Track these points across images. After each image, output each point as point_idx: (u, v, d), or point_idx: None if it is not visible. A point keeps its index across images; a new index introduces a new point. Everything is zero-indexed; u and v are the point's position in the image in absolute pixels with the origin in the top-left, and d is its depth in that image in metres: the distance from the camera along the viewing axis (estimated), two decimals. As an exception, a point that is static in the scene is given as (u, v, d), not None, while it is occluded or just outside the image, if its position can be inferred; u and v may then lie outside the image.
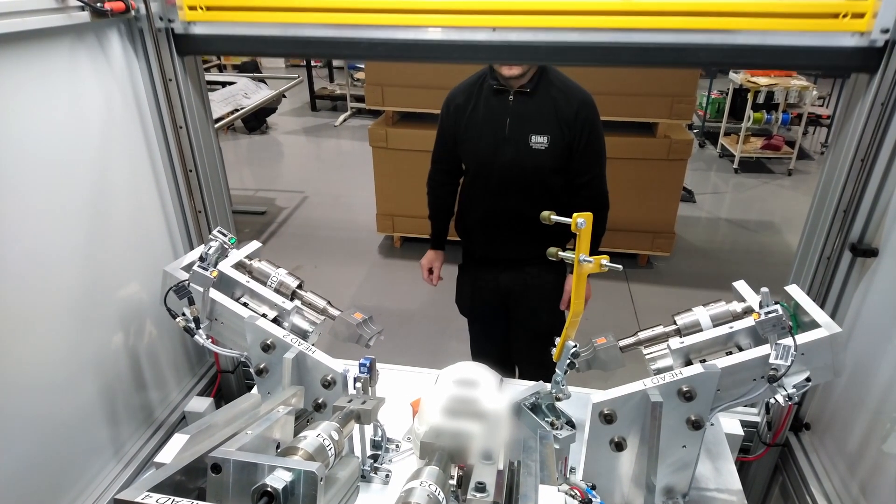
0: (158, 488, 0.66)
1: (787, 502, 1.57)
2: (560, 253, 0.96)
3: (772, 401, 1.15)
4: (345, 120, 7.71)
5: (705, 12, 1.18)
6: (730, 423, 1.49)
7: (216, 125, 1.64)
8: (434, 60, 1.42)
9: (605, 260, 0.95)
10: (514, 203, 1.88)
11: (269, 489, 0.68)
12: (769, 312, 0.97)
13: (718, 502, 1.24)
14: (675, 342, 1.14)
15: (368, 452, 1.30)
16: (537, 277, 2.01)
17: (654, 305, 3.70)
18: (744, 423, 1.52)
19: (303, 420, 1.13)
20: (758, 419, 1.63)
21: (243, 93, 5.23)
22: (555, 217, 0.93)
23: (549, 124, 1.79)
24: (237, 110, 4.95)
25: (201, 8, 1.44)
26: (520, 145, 1.81)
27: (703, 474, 1.29)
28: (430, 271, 2.17)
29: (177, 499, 0.63)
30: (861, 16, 1.10)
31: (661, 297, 3.86)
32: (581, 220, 0.90)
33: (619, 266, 0.96)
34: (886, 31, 1.09)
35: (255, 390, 1.44)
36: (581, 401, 1.17)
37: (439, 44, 1.36)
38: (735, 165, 6.10)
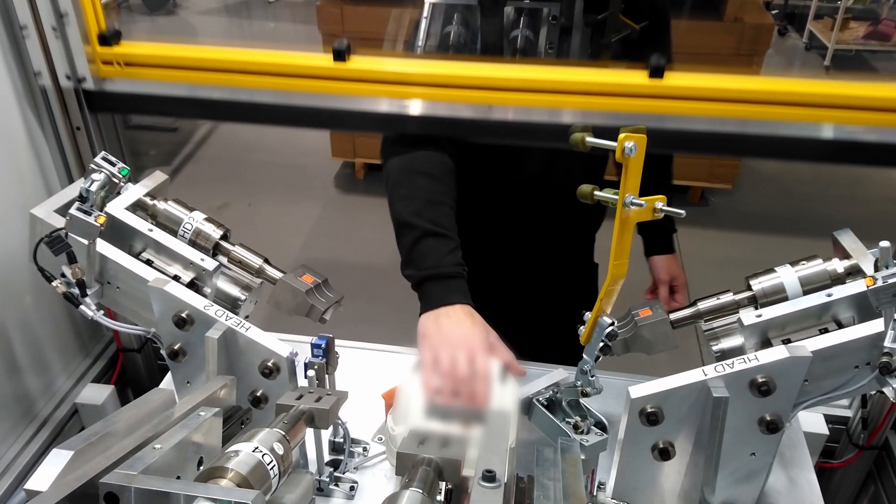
0: (27, 531, 0.63)
1: (879, 518, 1.62)
2: (597, 193, 0.91)
3: (871, 392, 1.14)
4: (285, -5, 7.46)
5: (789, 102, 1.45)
6: (811, 418, 1.51)
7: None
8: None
9: (660, 203, 0.91)
10: (564, 171, 1.62)
11: (185, 530, 0.65)
12: (889, 277, 0.94)
13: (792, 523, 1.26)
14: (748, 315, 1.12)
15: (326, 458, 1.31)
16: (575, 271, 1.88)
17: (710, 258, 3.70)
18: (829, 419, 1.54)
19: (235, 421, 1.11)
20: (848, 413, 1.65)
21: (141, -44, 4.98)
22: (591, 140, 0.88)
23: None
24: (133, -19, 4.72)
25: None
26: None
27: (773, 486, 1.30)
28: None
29: (53, 547, 0.60)
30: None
31: (718, 246, 3.87)
32: (630, 145, 0.84)
33: (681, 211, 0.92)
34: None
35: (167, 380, 1.42)
36: (610, 390, 1.14)
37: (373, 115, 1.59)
38: (826, 62, 6.02)
